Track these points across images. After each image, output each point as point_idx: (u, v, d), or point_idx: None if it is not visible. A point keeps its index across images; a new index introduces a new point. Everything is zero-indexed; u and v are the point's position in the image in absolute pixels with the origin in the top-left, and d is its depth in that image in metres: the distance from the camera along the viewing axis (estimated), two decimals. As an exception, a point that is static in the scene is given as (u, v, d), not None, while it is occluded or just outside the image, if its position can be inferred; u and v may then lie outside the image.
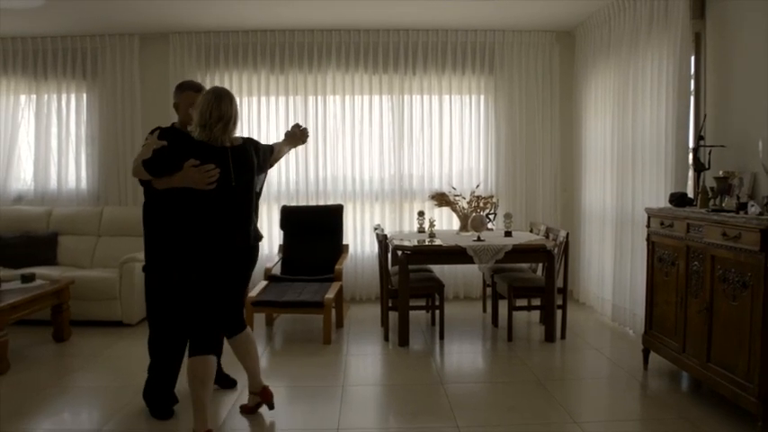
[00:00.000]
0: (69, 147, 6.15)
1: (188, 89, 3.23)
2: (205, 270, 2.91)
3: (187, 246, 2.91)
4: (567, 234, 4.75)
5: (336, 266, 5.26)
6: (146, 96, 6.12)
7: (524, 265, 5.22)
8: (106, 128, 6.07)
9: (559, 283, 4.74)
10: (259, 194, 3.24)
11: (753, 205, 3.04)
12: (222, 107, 2.85)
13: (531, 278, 4.84)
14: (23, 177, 6.22)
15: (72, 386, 3.82)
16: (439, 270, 5.60)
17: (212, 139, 2.86)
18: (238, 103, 6.42)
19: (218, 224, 2.91)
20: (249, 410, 3.34)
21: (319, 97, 6.10)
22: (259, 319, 5.15)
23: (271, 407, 3.31)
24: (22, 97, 6.17)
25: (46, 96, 6.12)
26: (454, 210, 5.37)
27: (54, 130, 6.15)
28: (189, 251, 2.91)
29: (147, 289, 3.35)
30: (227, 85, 6.09)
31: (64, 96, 6.13)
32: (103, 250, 5.72)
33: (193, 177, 2.81)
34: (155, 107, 6.11)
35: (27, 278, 4.60)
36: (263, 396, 3.32)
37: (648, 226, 3.97)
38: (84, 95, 6.14)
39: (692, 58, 4.22)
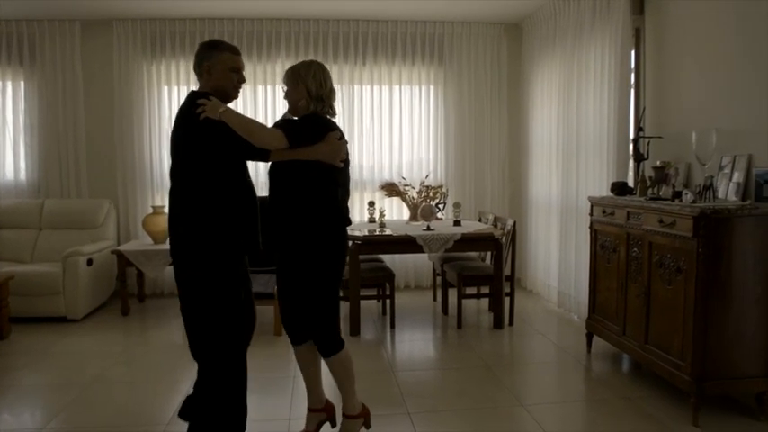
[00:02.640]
0: (6, 137, 5.90)
1: (226, 50, 2.66)
2: (342, 254, 2.78)
3: (329, 229, 2.69)
4: (515, 223, 4.87)
5: (288, 257, 5.23)
6: (88, 85, 5.93)
7: (473, 254, 5.32)
8: (46, 117, 5.85)
9: (507, 270, 4.86)
10: None
11: (687, 194, 3.19)
12: (330, 78, 2.77)
13: (480, 266, 4.94)
14: (-43, 169, 5.95)
15: (13, 385, 3.70)
16: (390, 259, 5.65)
17: (329, 113, 2.74)
18: (185, 92, 6.27)
19: (346, 207, 2.79)
20: None
21: (269, 87, 6.04)
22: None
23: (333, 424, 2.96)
24: (-46, 85, 5.89)
25: (-20, 84, 5.86)
26: (404, 200, 5.43)
27: (-10, 119, 5.90)
28: (332, 235, 2.70)
29: (216, 295, 2.54)
30: (173, 74, 5.97)
31: (-1, 84, 5.89)
32: (45, 244, 5.53)
33: (336, 151, 2.63)
34: (98, 96, 5.93)
35: (-37, 274, 4.42)
36: (327, 411, 2.97)
37: (591, 214, 4.11)
38: (22, 83, 5.88)
39: (633, 53, 4.38)
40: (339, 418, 2.94)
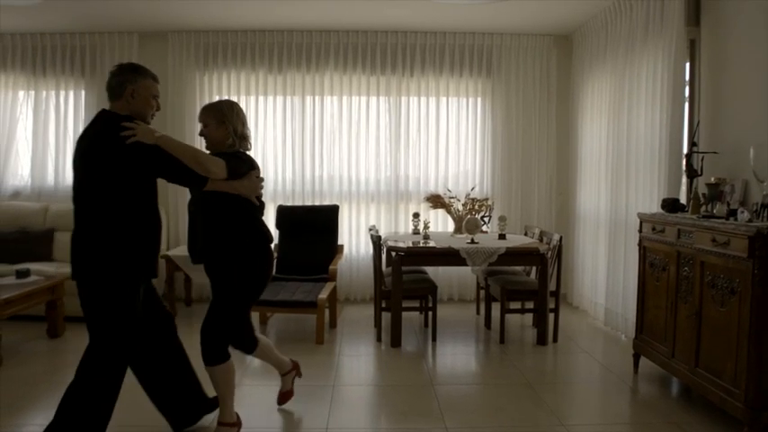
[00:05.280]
0: (67, 143, 6.16)
1: (150, 77, 2.78)
2: (264, 272, 3.03)
3: (254, 247, 2.94)
4: (561, 238, 4.77)
5: (331, 267, 5.28)
6: (144, 94, 6.13)
7: (518, 268, 5.24)
8: (104, 125, 6.08)
9: (553, 286, 4.77)
10: None
11: (743, 212, 3.06)
12: None
13: (525, 281, 4.86)
14: (20, 173, 6.23)
15: (65, 382, 3.75)
16: (433, 272, 5.62)
17: (248, 149, 3.00)
18: (235, 101, 6.42)
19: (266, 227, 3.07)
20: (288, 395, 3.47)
21: (317, 97, 6.12)
22: (253, 317, 5.13)
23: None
24: (21, 93, 6.18)
25: (44, 93, 6.14)
26: (449, 212, 5.40)
27: (52, 126, 6.16)
28: (255, 253, 2.95)
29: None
30: (224, 85, 6.14)
31: (62, 93, 6.15)
32: (99, 247, 5.73)
33: (255, 188, 2.89)
34: (153, 105, 6.12)
35: (22, 274, 4.62)
36: (295, 367, 3.49)
37: (640, 231, 3.99)
38: (83, 93, 6.15)
39: (687, 65, 4.25)
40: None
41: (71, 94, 6.17)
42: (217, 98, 6.12)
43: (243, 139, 2.94)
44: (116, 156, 2.49)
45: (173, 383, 3.04)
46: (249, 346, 3.19)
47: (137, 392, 3.60)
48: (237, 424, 3.06)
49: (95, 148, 2.53)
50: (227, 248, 2.85)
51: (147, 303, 2.84)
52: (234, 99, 6.04)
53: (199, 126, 2.97)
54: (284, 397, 3.44)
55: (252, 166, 2.89)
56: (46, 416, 3.30)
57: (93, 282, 2.58)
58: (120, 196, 2.55)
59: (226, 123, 2.88)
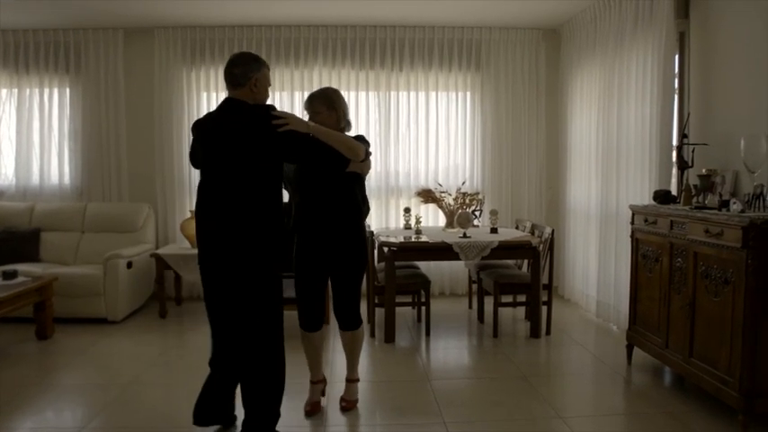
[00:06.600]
0: (52, 142, 6.07)
1: (266, 66, 2.81)
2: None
3: (363, 224, 3.26)
4: (553, 231, 4.78)
5: (323, 263, 5.25)
6: (130, 92, 6.06)
7: (510, 262, 5.25)
8: (89, 123, 6.00)
9: (545, 279, 4.78)
10: None
11: (735, 203, 3.08)
12: None
13: (517, 275, 4.87)
14: (5, 173, 6.12)
15: (55, 384, 3.78)
16: (425, 266, 5.61)
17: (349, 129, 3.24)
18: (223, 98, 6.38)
19: None
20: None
21: (305, 93, 6.01)
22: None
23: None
24: (4, 91, 6.07)
25: (28, 90, 6.03)
26: (440, 206, 5.39)
27: (36, 124, 6.06)
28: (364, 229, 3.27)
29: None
30: (212, 81, 6.06)
31: (46, 91, 6.05)
32: (87, 246, 5.66)
33: (369, 166, 3.22)
34: (139, 102, 6.06)
35: (9, 275, 4.54)
36: (325, 382, 3.55)
37: (632, 223, 4.01)
38: (68, 90, 6.05)
39: (677, 57, 4.27)
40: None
41: (55, 91, 6.07)
42: (205, 95, 6.10)
43: (347, 121, 3.20)
44: (272, 143, 2.64)
45: (232, 380, 3.03)
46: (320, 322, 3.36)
47: (136, 392, 3.59)
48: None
49: (247, 136, 2.63)
50: (357, 220, 3.15)
51: None
52: (221, 95, 6.07)
53: (304, 114, 3.13)
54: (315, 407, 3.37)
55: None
56: (36, 419, 3.27)
57: (262, 266, 2.70)
58: (272, 181, 2.70)
59: (336, 108, 3.11)
